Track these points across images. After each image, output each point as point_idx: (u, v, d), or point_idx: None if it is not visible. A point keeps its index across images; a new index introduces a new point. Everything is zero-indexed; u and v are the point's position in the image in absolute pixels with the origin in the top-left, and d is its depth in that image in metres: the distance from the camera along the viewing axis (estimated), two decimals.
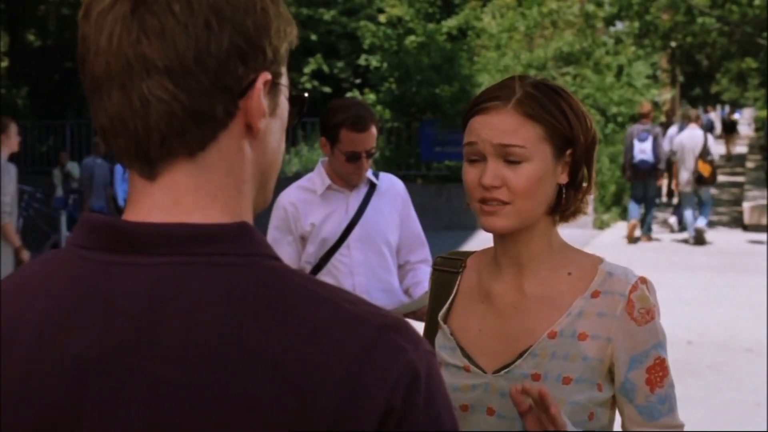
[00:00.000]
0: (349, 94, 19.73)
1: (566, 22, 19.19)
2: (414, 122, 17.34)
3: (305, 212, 3.80)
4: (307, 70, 22.86)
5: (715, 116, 39.39)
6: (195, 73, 0.97)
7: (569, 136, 1.78)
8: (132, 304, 0.96)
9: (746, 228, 15.95)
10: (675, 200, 16.90)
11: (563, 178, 1.81)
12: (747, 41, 21.64)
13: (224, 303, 0.94)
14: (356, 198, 3.86)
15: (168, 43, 0.96)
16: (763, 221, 15.74)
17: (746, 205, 16.81)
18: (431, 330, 1.94)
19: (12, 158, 7.87)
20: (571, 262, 1.83)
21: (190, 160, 1.00)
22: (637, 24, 20.58)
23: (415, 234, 4.01)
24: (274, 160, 1.09)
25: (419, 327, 1.85)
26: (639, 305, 1.74)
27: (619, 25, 21.40)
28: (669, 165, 15.08)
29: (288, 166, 17.72)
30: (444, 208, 15.82)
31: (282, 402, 0.91)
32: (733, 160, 30.64)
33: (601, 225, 16.45)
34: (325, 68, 23.13)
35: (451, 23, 19.48)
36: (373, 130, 3.73)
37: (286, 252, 3.80)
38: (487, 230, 1.80)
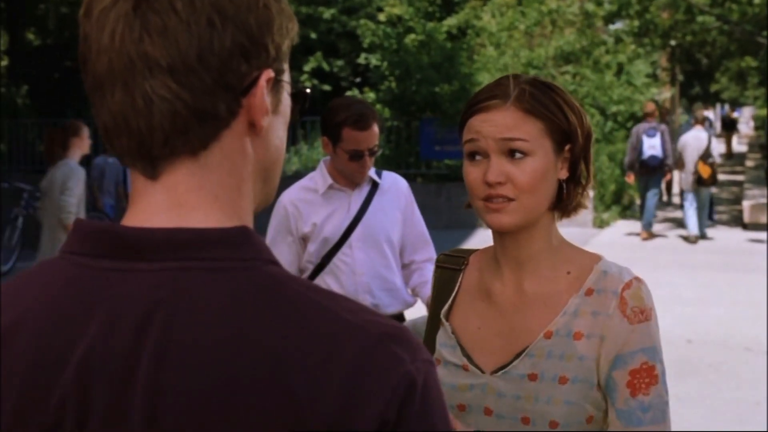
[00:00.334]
0: (348, 93, 19.73)
1: (566, 20, 19.18)
2: (414, 121, 17.33)
3: (306, 213, 3.78)
4: (306, 68, 22.84)
5: (713, 115, 39.37)
6: (198, 72, 0.96)
7: (567, 131, 1.78)
8: (132, 311, 0.95)
9: (746, 227, 15.95)
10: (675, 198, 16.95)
11: (563, 174, 1.81)
12: (747, 40, 21.63)
13: (223, 309, 0.94)
14: (358, 197, 3.84)
15: (170, 42, 0.96)
16: (763, 220, 15.74)
17: (746, 204, 16.80)
18: (433, 327, 1.94)
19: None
20: (571, 261, 1.83)
21: (193, 159, 1.00)
22: (636, 23, 20.57)
23: (420, 233, 3.99)
24: (277, 157, 1.09)
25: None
26: (632, 303, 1.73)
27: (619, 24, 21.39)
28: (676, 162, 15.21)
29: (288, 165, 17.71)
30: (444, 206, 15.81)
31: (277, 411, 0.90)
32: (733, 159, 30.66)
33: (600, 224, 16.45)
34: (325, 66, 23.12)
35: (450, 22, 19.46)
36: (376, 128, 3.71)
37: (284, 252, 3.79)
38: (494, 228, 1.79)
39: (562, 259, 1.83)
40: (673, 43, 23.55)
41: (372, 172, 3.86)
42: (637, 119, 19.26)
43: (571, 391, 1.73)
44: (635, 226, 16.43)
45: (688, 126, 15.45)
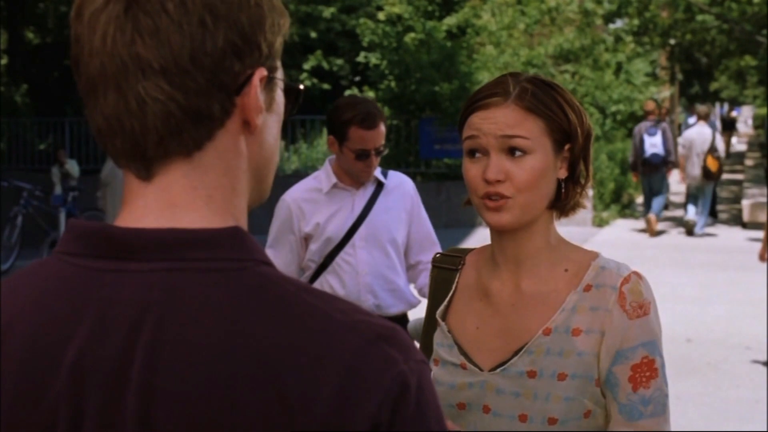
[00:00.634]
0: (348, 92, 19.72)
1: (565, 19, 19.18)
2: (413, 120, 17.33)
3: (310, 212, 3.76)
4: (306, 67, 22.83)
5: (712, 114, 39.40)
6: (191, 72, 0.96)
7: (568, 130, 1.78)
8: (124, 312, 0.95)
9: (745, 225, 15.95)
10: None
11: (562, 173, 1.81)
12: (746, 39, 21.62)
13: (215, 310, 0.94)
14: (362, 196, 3.82)
15: (162, 43, 0.95)
16: (763, 219, 15.72)
17: (745, 203, 16.80)
18: (430, 327, 1.93)
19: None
20: (568, 259, 1.83)
21: (187, 159, 0.99)
22: (636, 21, 20.58)
23: (426, 233, 3.96)
24: (271, 155, 1.08)
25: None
26: (631, 298, 1.73)
27: (619, 23, 21.39)
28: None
29: (287, 164, 17.71)
30: (443, 205, 15.80)
31: (270, 413, 0.90)
32: (732, 158, 30.64)
33: (600, 222, 16.45)
34: (325, 65, 23.11)
35: (450, 21, 19.45)
36: (382, 127, 3.69)
37: (286, 252, 3.77)
38: (493, 226, 1.79)
39: (560, 257, 1.83)
40: (672, 42, 23.57)
41: (378, 172, 3.84)
42: (636, 118, 19.27)
43: (570, 387, 1.73)
44: (634, 224, 16.44)
45: (687, 125, 15.68)
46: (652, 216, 14.89)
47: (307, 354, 0.92)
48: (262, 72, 1.01)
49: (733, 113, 43.02)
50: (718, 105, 52.23)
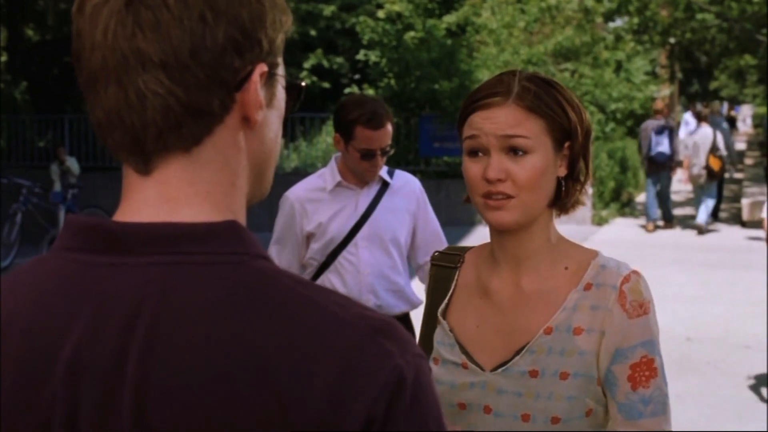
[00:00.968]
0: (348, 90, 19.71)
1: (565, 17, 19.17)
2: (413, 118, 17.31)
3: (312, 211, 3.75)
4: (306, 65, 22.82)
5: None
6: (191, 67, 0.96)
7: (568, 128, 1.78)
8: (121, 306, 0.95)
9: (745, 224, 15.95)
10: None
11: (562, 171, 1.81)
12: (746, 38, 21.61)
13: (211, 304, 0.93)
14: (366, 196, 3.81)
15: (163, 37, 0.95)
16: (762, 217, 15.73)
17: (745, 202, 16.79)
18: (430, 325, 1.93)
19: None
20: (568, 257, 1.83)
21: (186, 154, 0.99)
22: (636, 20, 20.57)
23: (435, 233, 3.95)
24: (271, 151, 1.08)
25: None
26: (631, 297, 1.73)
27: (619, 21, 21.39)
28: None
29: (287, 162, 17.69)
30: (443, 203, 15.78)
31: (265, 407, 0.90)
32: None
33: (599, 221, 16.44)
34: (325, 63, 23.10)
35: (450, 19, 19.44)
36: (389, 127, 3.67)
37: (290, 250, 3.77)
38: (494, 226, 1.79)
39: (560, 255, 1.83)
40: (672, 40, 23.58)
41: (384, 172, 3.83)
42: (636, 116, 19.28)
43: (573, 386, 1.73)
44: (634, 223, 16.44)
45: (687, 123, 15.98)
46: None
47: (302, 348, 0.91)
48: (262, 68, 1.01)
49: (733, 112, 43.00)
50: (717, 104, 52.19)
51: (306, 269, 3.82)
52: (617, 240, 14.28)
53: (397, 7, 19.25)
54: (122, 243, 0.97)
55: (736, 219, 16.74)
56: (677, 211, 16.92)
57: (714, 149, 14.73)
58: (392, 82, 17.52)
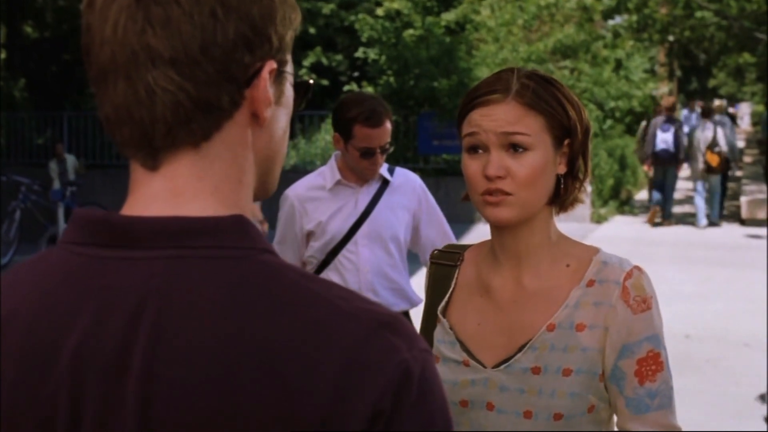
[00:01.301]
0: (347, 88, 19.70)
1: (564, 15, 19.17)
2: (412, 116, 17.31)
3: (312, 210, 3.75)
4: (306, 63, 22.82)
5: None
6: (201, 63, 0.96)
7: (567, 126, 1.78)
8: (126, 300, 0.95)
9: (744, 222, 15.96)
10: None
11: (561, 169, 1.81)
12: (745, 36, 21.62)
13: (217, 298, 0.93)
14: (366, 194, 3.80)
15: (173, 33, 0.95)
16: (761, 215, 15.77)
17: (744, 200, 16.80)
18: (430, 324, 1.93)
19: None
20: (569, 254, 1.83)
21: (194, 150, 0.99)
22: (635, 18, 20.57)
23: (442, 230, 3.94)
24: (279, 148, 1.08)
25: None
26: (634, 293, 1.73)
27: (618, 19, 21.39)
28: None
29: (285, 160, 17.67)
30: (442, 201, 15.64)
31: (271, 401, 0.90)
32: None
33: (598, 219, 16.45)
34: (324, 61, 23.10)
35: (449, 17, 19.45)
36: (388, 125, 3.66)
37: (292, 247, 3.77)
38: (492, 222, 1.79)
39: (561, 252, 1.83)
40: (671, 38, 23.58)
41: (384, 169, 3.82)
42: (635, 114, 19.29)
43: (575, 382, 1.73)
44: (633, 221, 16.45)
45: (685, 121, 16.41)
46: (655, 208, 15.64)
47: (308, 342, 0.91)
48: (272, 65, 1.01)
49: (732, 109, 43.01)
50: (716, 102, 52.20)
51: (306, 267, 3.81)
52: (616, 237, 14.28)
53: (396, 5, 19.25)
54: (128, 237, 0.97)
55: (735, 217, 16.75)
56: (676, 209, 16.92)
57: (713, 145, 14.99)
58: (391, 79, 17.51)
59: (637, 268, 1.78)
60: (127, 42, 0.96)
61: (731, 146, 15.53)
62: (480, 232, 12.85)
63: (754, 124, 41.40)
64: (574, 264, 1.81)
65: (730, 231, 15.26)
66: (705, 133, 15.14)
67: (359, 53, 20.38)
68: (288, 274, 0.97)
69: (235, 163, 1.02)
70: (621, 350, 1.73)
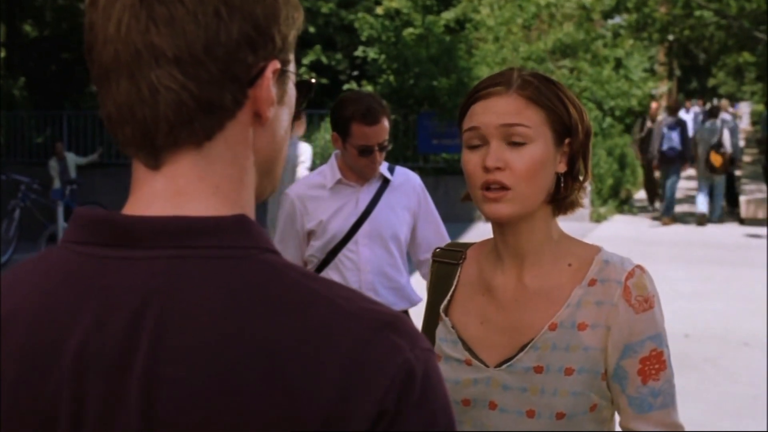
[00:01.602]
0: (346, 86, 19.70)
1: (564, 14, 19.17)
2: (411, 114, 17.31)
3: (312, 209, 3.74)
4: (305, 61, 22.81)
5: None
6: (204, 63, 0.96)
7: (568, 124, 1.78)
8: (128, 300, 0.94)
9: (743, 222, 15.97)
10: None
11: (561, 167, 1.81)
12: (744, 35, 21.63)
13: (219, 298, 0.93)
14: (367, 193, 3.80)
15: (177, 32, 0.95)
16: (761, 215, 15.78)
17: (743, 199, 16.80)
18: (432, 322, 1.93)
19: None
20: (571, 253, 1.83)
21: (196, 149, 0.99)
22: (634, 17, 20.57)
23: (437, 229, 3.94)
24: (280, 147, 1.08)
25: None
26: (636, 292, 1.74)
27: (617, 18, 21.39)
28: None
29: None
30: (441, 200, 15.72)
31: (274, 402, 0.90)
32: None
33: (598, 218, 16.45)
34: (324, 60, 23.10)
35: (449, 15, 19.44)
36: (385, 122, 3.66)
37: (293, 247, 3.77)
38: (490, 218, 1.79)
39: (563, 251, 1.83)
40: (670, 37, 23.59)
41: (384, 168, 3.82)
42: (634, 114, 19.28)
43: (577, 381, 1.73)
44: (632, 220, 16.45)
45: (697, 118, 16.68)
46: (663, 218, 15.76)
47: (310, 342, 0.91)
48: (275, 65, 1.01)
49: (733, 108, 42.99)
50: (715, 101, 52.20)
51: (306, 266, 3.81)
52: (616, 237, 14.28)
53: (395, 4, 19.25)
54: (130, 236, 0.97)
55: (735, 216, 16.75)
56: (676, 208, 16.93)
57: (717, 146, 15.13)
58: (391, 78, 17.51)
59: (639, 267, 1.78)
60: (130, 40, 0.96)
61: (735, 146, 15.61)
62: (479, 231, 12.85)
63: (754, 123, 41.37)
64: (576, 263, 1.81)
65: (729, 230, 15.27)
66: (711, 133, 15.27)
67: (359, 52, 20.38)
68: (289, 274, 0.96)
69: (237, 163, 1.01)
70: (623, 350, 1.73)
